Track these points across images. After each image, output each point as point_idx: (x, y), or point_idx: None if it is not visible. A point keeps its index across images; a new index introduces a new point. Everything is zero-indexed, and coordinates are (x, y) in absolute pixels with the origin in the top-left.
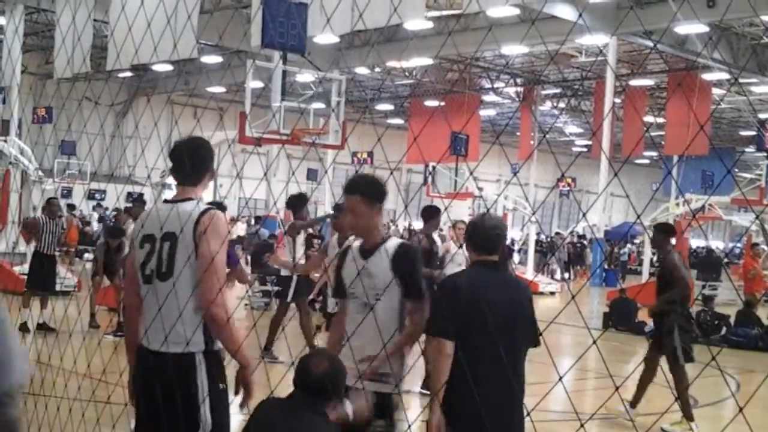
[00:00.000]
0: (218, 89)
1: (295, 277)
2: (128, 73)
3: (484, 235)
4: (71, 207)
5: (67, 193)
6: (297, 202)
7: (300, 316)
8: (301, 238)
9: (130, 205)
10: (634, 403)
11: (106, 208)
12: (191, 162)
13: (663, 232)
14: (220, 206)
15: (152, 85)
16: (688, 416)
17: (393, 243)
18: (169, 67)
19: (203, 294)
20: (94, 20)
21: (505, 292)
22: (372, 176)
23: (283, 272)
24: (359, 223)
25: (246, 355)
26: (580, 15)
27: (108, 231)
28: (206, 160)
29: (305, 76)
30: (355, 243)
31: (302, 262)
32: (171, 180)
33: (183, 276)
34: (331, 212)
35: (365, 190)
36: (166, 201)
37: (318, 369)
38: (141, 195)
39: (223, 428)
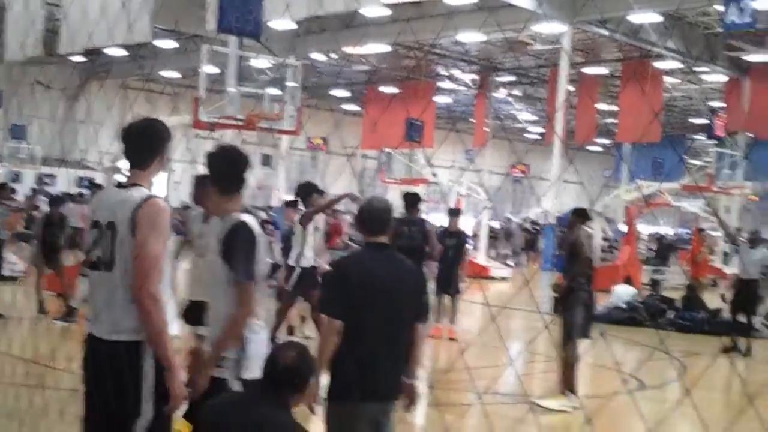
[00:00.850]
0: (173, 74)
1: (299, 268)
2: (81, 57)
3: (374, 217)
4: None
5: (16, 177)
6: (307, 191)
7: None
8: (313, 226)
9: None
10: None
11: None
12: (141, 144)
13: (578, 215)
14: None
15: (106, 70)
16: (571, 391)
17: (233, 219)
18: (123, 52)
19: (133, 280)
20: (47, 3)
21: (392, 272)
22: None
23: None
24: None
25: (170, 356)
26: (539, 3)
27: (50, 200)
28: (156, 141)
29: (261, 62)
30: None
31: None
32: (123, 164)
33: (125, 265)
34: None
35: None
36: (119, 185)
37: (285, 360)
38: (92, 180)
39: (164, 418)
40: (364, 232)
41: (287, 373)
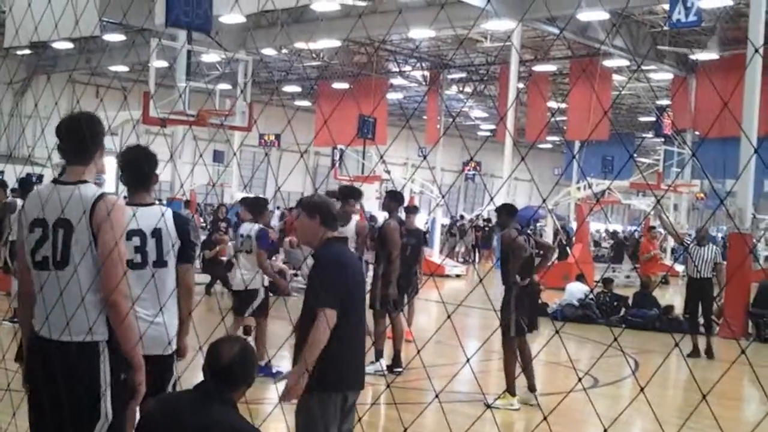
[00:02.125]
0: (121, 68)
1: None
2: (27, 51)
3: (332, 212)
4: None
5: None
6: (350, 194)
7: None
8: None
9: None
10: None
11: None
12: (80, 138)
13: (507, 212)
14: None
15: (52, 63)
16: (511, 392)
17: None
18: (70, 45)
19: (104, 282)
20: None
21: (359, 265)
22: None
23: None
24: None
25: (138, 354)
26: (488, 1)
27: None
28: (96, 135)
29: (211, 56)
30: None
31: None
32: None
33: (82, 265)
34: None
35: None
36: (55, 181)
37: (228, 355)
38: (41, 176)
39: (124, 420)
40: (327, 228)
41: (234, 368)
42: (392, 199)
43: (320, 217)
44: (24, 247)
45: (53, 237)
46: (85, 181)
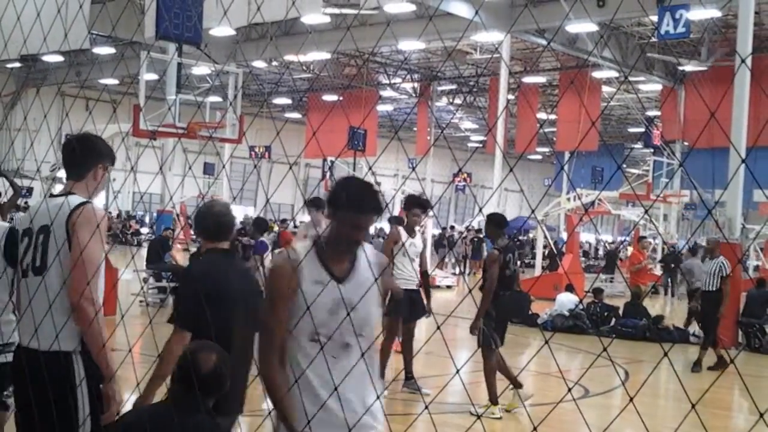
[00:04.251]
0: (111, 81)
1: None
2: (17, 64)
3: (215, 222)
4: None
5: None
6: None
7: None
8: None
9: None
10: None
11: None
12: (77, 157)
13: (495, 224)
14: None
15: (42, 76)
16: (492, 400)
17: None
18: (59, 58)
19: (71, 286)
20: None
21: (238, 279)
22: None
23: None
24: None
25: (108, 360)
26: (477, 12)
27: None
28: (92, 155)
29: (201, 69)
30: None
31: None
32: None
33: (55, 269)
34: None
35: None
36: (52, 195)
37: (208, 364)
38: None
39: (103, 428)
40: (207, 238)
41: (213, 377)
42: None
43: (201, 229)
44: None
45: (34, 244)
46: (73, 193)
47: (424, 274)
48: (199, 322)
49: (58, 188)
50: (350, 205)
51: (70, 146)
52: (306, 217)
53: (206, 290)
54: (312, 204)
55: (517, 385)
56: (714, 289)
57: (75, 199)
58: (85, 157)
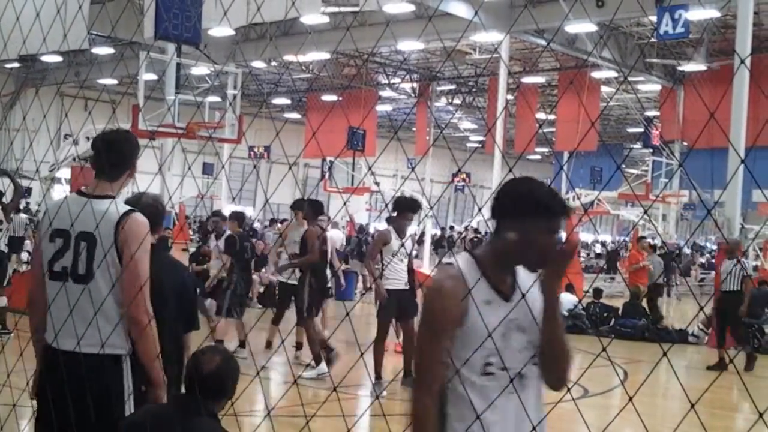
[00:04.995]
0: (110, 81)
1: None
2: (16, 64)
3: (151, 213)
4: None
5: None
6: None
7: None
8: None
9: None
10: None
11: None
12: (112, 156)
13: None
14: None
15: (41, 77)
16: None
17: None
18: (58, 58)
19: (125, 298)
20: None
21: (168, 274)
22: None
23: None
24: None
25: (159, 369)
26: (476, 13)
27: None
28: (129, 156)
29: (200, 69)
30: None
31: None
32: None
33: (104, 279)
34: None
35: None
36: (79, 193)
37: (211, 366)
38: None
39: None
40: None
41: (215, 379)
42: None
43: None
44: (41, 258)
45: (75, 249)
46: (111, 197)
47: (410, 271)
48: None
49: (57, 188)
50: (539, 208)
51: (108, 144)
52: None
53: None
54: (296, 206)
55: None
56: (735, 289)
57: (117, 206)
58: (124, 158)
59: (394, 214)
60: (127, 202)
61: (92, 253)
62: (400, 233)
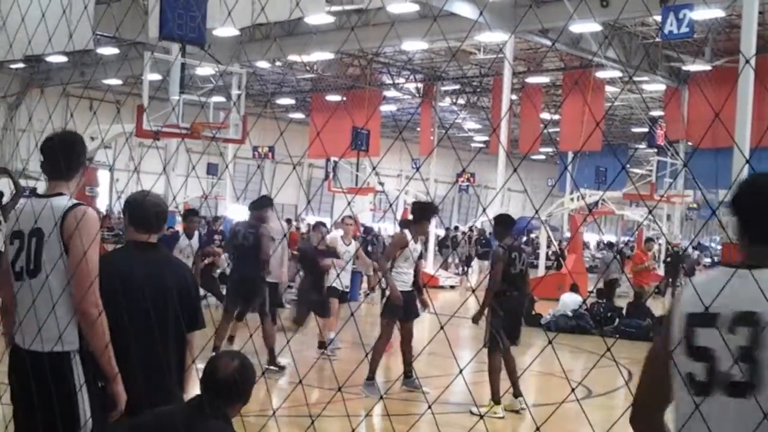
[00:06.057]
0: (115, 81)
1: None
2: (21, 64)
3: (143, 212)
4: None
5: None
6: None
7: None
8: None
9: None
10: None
11: None
12: (65, 157)
13: (501, 224)
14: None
15: (46, 77)
16: (495, 400)
17: None
18: (63, 59)
19: (75, 290)
20: None
21: (151, 274)
22: None
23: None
24: None
25: (113, 364)
26: (481, 13)
27: None
28: (80, 155)
29: (205, 69)
30: None
31: None
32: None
33: (53, 274)
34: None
35: None
36: (37, 195)
37: (227, 370)
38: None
39: (105, 427)
40: (134, 228)
41: (230, 384)
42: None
43: (127, 215)
44: (7, 260)
45: (27, 247)
46: (60, 194)
47: (416, 272)
48: (105, 306)
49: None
50: None
51: (59, 146)
52: (311, 219)
53: (106, 278)
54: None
55: (516, 392)
56: None
57: (65, 201)
58: (77, 157)
59: (410, 217)
60: (130, 200)
61: (39, 248)
62: (415, 238)
